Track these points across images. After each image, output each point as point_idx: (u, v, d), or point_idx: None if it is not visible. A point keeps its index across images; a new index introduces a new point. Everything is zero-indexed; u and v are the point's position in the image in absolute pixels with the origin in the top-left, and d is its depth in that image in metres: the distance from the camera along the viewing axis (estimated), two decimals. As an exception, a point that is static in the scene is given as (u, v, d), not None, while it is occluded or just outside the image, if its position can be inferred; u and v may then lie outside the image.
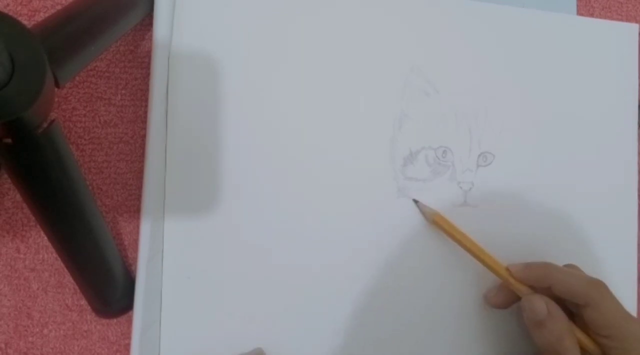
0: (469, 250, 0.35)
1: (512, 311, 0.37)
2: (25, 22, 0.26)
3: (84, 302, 0.33)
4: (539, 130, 0.39)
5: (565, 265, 0.36)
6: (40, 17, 0.32)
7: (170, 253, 0.32)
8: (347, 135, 0.35)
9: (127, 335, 0.33)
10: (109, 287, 0.31)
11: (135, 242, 0.33)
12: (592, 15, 0.42)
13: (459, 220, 0.36)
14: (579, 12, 0.41)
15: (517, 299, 0.35)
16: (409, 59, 0.37)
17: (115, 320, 0.33)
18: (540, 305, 0.32)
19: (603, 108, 0.40)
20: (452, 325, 0.36)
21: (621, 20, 0.42)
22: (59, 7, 0.32)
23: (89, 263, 0.30)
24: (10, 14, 0.25)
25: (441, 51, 0.37)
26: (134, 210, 0.34)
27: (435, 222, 0.35)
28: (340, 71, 0.35)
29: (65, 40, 0.24)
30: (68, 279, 0.33)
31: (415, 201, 0.36)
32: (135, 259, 0.33)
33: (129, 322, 0.33)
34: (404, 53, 0.37)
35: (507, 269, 0.34)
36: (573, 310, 0.33)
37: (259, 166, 0.34)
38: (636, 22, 0.42)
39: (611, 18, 0.42)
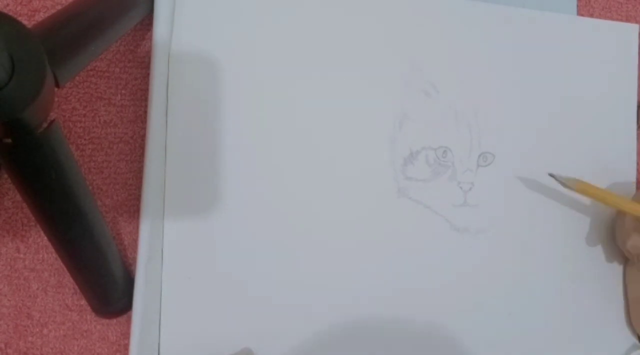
0: (613, 204, 0.36)
1: (512, 312, 0.37)
2: (25, 22, 0.26)
3: (84, 302, 0.33)
4: (539, 130, 0.39)
5: None
6: (40, 17, 0.32)
7: (170, 253, 0.32)
8: (347, 136, 0.35)
9: (127, 335, 0.33)
10: (108, 287, 0.31)
11: (135, 242, 0.33)
12: (592, 15, 0.42)
13: (458, 220, 0.37)
14: (579, 12, 0.41)
15: None
16: (409, 59, 0.37)
17: (115, 320, 0.33)
18: None
19: (603, 108, 0.40)
20: (454, 324, 0.36)
21: (621, 20, 0.42)
22: (59, 7, 0.32)
23: (88, 263, 0.30)
24: (10, 14, 0.25)
25: (441, 51, 0.37)
26: (134, 210, 0.34)
27: (580, 189, 0.36)
28: (341, 71, 0.35)
29: (65, 40, 0.24)
30: (68, 279, 0.33)
31: (552, 175, 0.36)
32: (135, 259, 0.33)
33: (129, 322, 0.33)
34: (404, 52, 0.37)
35: None
36: None
37: (259, 166, 0.34)
38: (636, 22, 0.42)
39: (611, 18, 0.42)
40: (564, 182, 0.36)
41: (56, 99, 0.32)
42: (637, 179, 0.40)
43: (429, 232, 0.36)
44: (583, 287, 0.38)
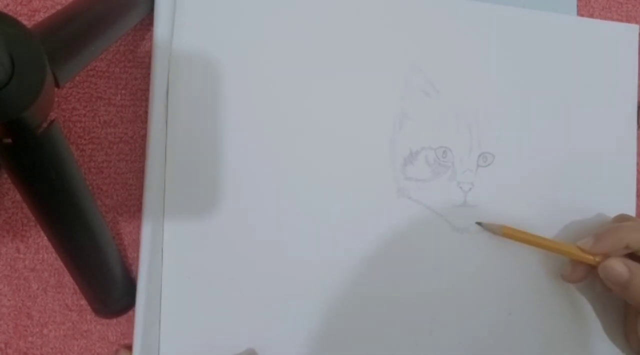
0: (540, 246, 0.36)
1: (513, 312, 0.37)
2: (25, 22, 0.26)
3: (83, 302, 0.33)
4: (539, 130, 0.39)
5: (618, 217, 0.37)
6: (40, 17, 0.32)
7: (170, 253, 0.32)
8: (347, 136, 0.35)
9: (127, 335, 0.33)
10: (108, 287, 0.31)
11: (135, 242, 0.33)
12: (592, 15, 0.42)
13: (458, 220, 0.37)
14: (579, 13, 0.41)
15: (593, 268, 0.35)
16: (409, 59, 0.37)
17: (115, 320, 0.33)
18: (619, 266, 0.32)
19: (603, 108, 0.40)
20: (454, 324, 0.36)
21: (621, 20, 0.42)
22: (59, 7, 0.32)
23: (89, 263, 0.30)
24: (10, 14, 0.25)
25: (441, 51, 0.37)
26: (134, 210, 0.34)
27: (506, 234, 0.36)
28: (341, 71, 0.35)
29: (65, 40, 0.24)
30: (68, 279, 0.33)
31: (479, 223, 0.36)
32: (135, 259, 0.33)
33: (129, 322, 0.33)
34: (404, 53, 0.37)
35: (579, 247, 0.35)
36: None
37: (259, 166, 0.34)
38: (636, 22, 0.42)
39: (611, 18, 0.42)
40: (493, 230, 0.36)
41: (56, 99, 0.32)
42: (638, 179, 0.40)
43: (428, 232, 0.36)
44: (583, 287, 0.38)
